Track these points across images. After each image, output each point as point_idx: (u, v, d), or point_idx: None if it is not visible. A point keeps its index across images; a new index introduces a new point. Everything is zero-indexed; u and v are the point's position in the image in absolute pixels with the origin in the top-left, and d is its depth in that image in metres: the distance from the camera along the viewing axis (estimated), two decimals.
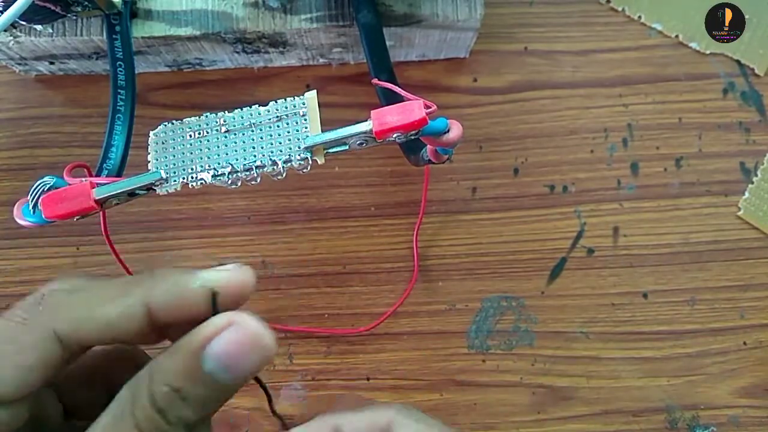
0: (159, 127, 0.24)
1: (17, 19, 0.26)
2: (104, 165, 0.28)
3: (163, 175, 0.23)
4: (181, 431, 0.17)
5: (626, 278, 0.37)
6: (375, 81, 0.28)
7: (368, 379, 0.36)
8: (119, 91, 0.30)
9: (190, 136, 0.24)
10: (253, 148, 0.24)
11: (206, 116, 0.24)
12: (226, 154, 0.24)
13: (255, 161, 0.23)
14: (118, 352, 0.22)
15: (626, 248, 0.37)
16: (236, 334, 0.17)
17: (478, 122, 0.38)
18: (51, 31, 0.33)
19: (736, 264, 0.37)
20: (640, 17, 0.40)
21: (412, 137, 0.24)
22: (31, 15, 0.29)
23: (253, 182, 0.24)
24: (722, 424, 0.36)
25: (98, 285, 0.19)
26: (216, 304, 0.18)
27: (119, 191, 0.23)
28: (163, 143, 0.24)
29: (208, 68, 0.38)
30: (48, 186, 0.23)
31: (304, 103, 0.24)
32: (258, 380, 0.20)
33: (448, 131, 0.24)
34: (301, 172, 0.24)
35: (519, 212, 0.38)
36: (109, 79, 0.30)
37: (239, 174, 0.23)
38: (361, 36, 0.32)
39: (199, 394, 0.17)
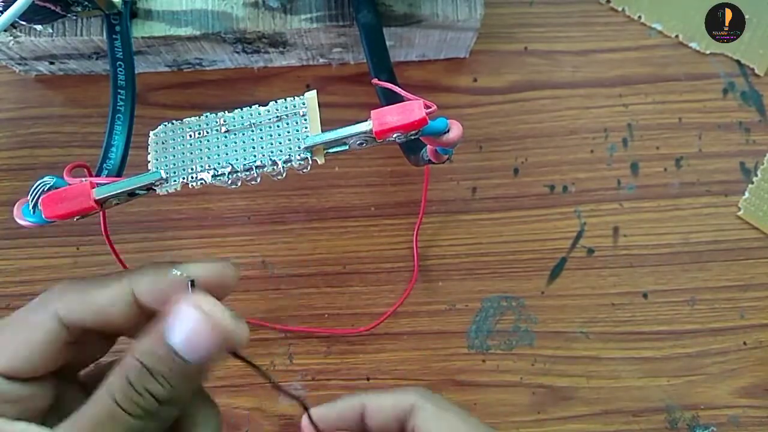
0: (159, 127, 0.24)
1: (17, 19, 0.26)
2: (104, 165, 0.27)
3: (163, 175, 0.23)
4: (152, 403, 0.19)
5: (626, 278, 0.37)
6: (375, 81, 0.28)
7: (368, 379, 0.36)
8: (119, 91, 0.30)
9: (190, 136, 0.24)
10: (253, 148, 0.24)
11: (206, 116, 0.24)
12: (226, 154, 0.24)
13: (255, 161, 0.23)
14: None
15: (626, 248, 0.37)
16: (195, 314, 0.19)
17: (478, 122, 0.38)
18: (51, 31, 0.33)
19: (736, 264, 0.37)
20: (640, 17, 0.40)
21: (412, 137, 0.24)
22: (31, 15, 0.29)
23: (253, 182, 0.24)
24: (722, 424, 0.36)
25: (92, 278, 0.22)
26: (194, 291, 0.20)
27: (119, 191, 0.23)
28: (163, 143, 0.24)
29: (208, 68, 0.38)
30: (48, 186, 0.23)
31: (304, 103, 0.24)
32: (256, 367, 0.21)
33: (448, 131, 0.24)
34: (301, 172, 0.24)
35: (519, 212, 0.38)
36: (109, 79, 0.30)
37: (239, 174, 0.23)
38: (361, 36, 0.32)
39: (163, 370, 0.19)
